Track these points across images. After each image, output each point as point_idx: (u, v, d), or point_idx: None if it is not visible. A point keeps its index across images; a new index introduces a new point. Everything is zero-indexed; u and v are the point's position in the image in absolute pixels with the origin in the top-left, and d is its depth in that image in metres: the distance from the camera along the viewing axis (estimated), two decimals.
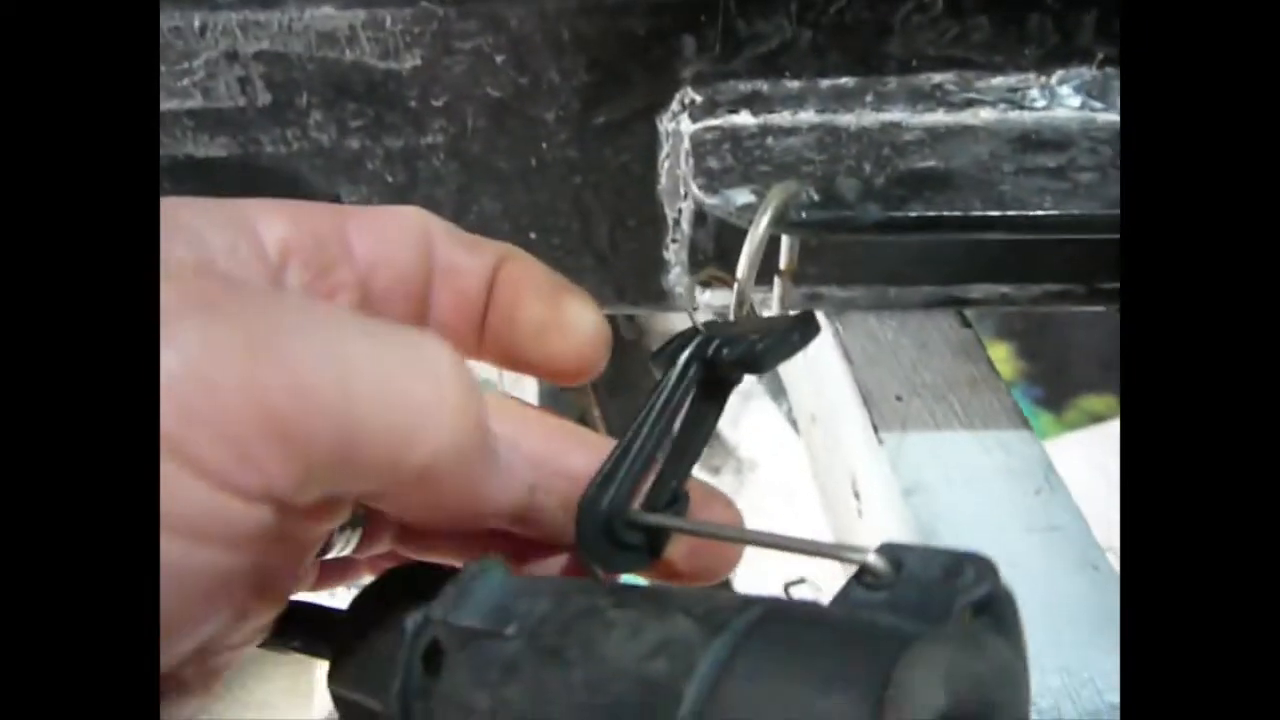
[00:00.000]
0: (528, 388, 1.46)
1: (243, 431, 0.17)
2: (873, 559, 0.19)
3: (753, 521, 0.28)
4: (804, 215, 0.31)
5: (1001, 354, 1.50)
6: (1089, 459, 1.38)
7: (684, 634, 0.19)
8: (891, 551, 0.19)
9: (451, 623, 0.22)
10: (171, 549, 0.17)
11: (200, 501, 0.17)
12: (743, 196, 0.32)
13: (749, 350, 0.25)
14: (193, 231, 0.22)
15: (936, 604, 0.18)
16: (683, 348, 0.27)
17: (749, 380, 1.22)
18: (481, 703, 0.21)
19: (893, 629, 0.17)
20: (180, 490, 0.17)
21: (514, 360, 0.24)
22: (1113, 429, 1.41)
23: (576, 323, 0.26)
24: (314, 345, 0.18)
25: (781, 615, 0.18)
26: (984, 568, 0.19)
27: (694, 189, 0.34)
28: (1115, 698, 0.30)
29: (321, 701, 1.22)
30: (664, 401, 0.26)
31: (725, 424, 1.31)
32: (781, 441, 1.19)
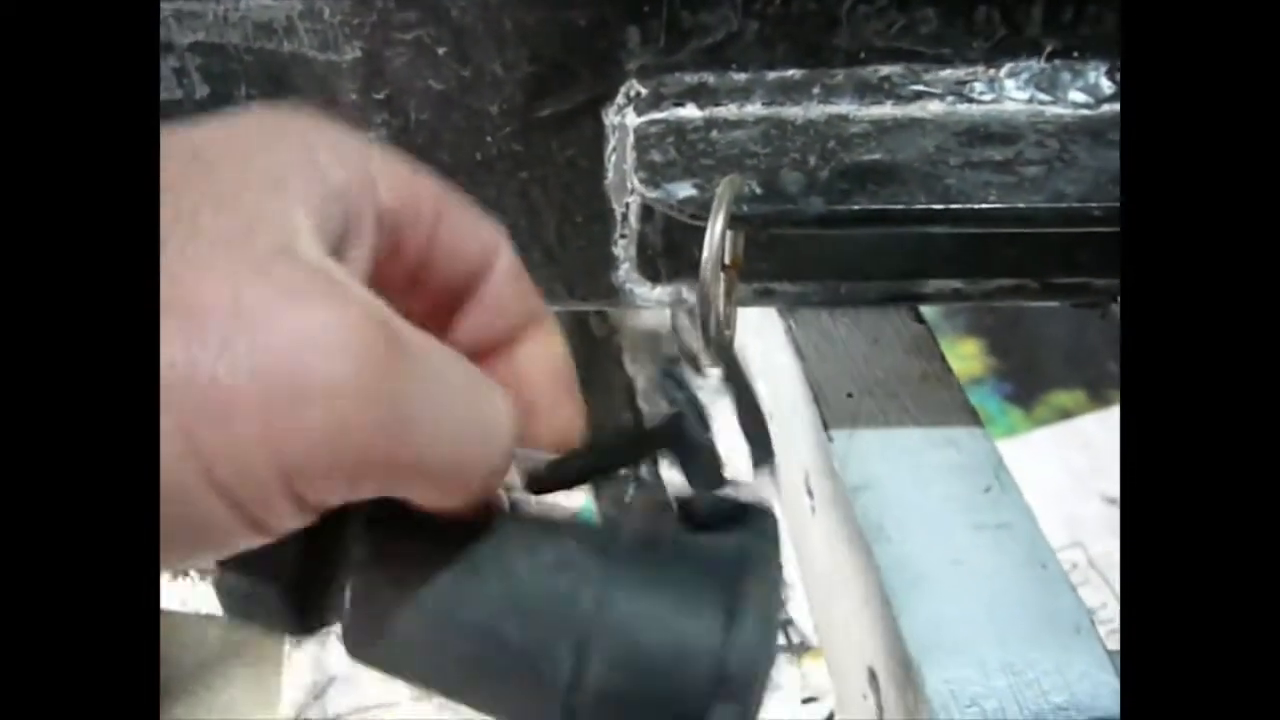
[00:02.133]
0: None
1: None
2: (696, 505, 0.25)
3: None
4: (746, 209, 0.31)
5: (971, 350, 1.50)
6: (1059, 455, 1.38)
7: (575, 554, 0.24)
8: (707, 500, 0.25)
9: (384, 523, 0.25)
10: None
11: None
12: (684, 190, 0.32)
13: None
14: (319, 167, 0.21)
15: (738, 542, 0.25)
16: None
17: (718, 378, 1.21)
18: (405, 603, 0.24)
19: (723, 560, 0.24)
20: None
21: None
22: (1082, 424, 1.42)
23: (567, 426, 0.27)
24: (430, 404, 0.20)
25: (647, 541, 0.24)
26: (759, 506, 0.26)
27: (636, 183, 0.34)
28: (1060, 698, 0.30)
29: (289, 701, 1.21)
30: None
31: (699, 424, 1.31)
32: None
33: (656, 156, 0.33)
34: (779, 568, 0.26)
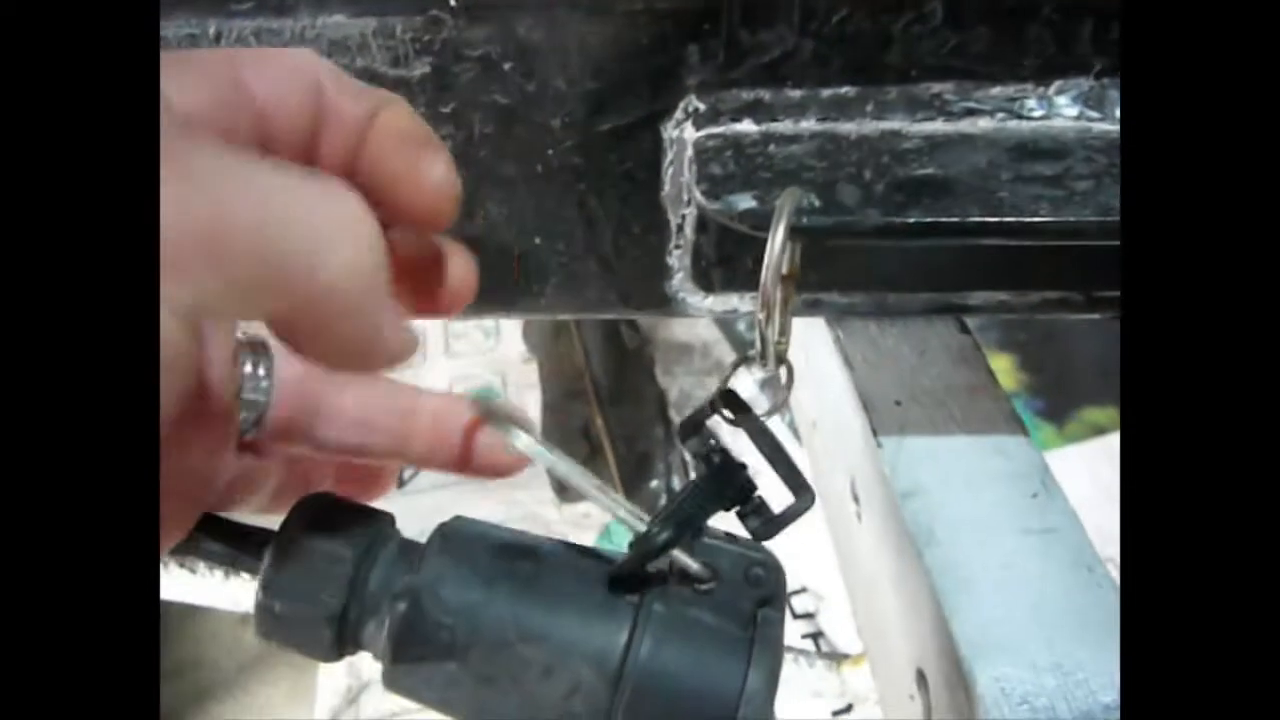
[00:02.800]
0: (530, 399, 1.47)
1: (176, 250, 0.19)
2: (696, 569, 0.28)
3: None
4: (805, 221, 0.32)
5: (1004, 365, 1.50)
6: (1090, 471, 1.38)
7: (588, 680, 0.27)
8: (709, 554, 0.29)
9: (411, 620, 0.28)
10: None
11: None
12: (744, 202, 0.33)
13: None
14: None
15: (745, 604, 0.29)
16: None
17: (752, 390, 1.21)
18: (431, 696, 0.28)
19: (739, 616, 0.28)
20: None
21: (375, 206, 0.24)
22: (1114, 441, 1.42)
23: (428, 176, 0.27)
24: (236, 179, 0.21)
25: (657, 671, 0.27)
26: (771, 566, 0.29)
27: (697, 195, 0.35)
28: (1109, 698, 0.31)
29: (324, 704, 1.23)
30: None
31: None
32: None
33: (716, 169, 0.35)
34: (783, 622, 0.29)
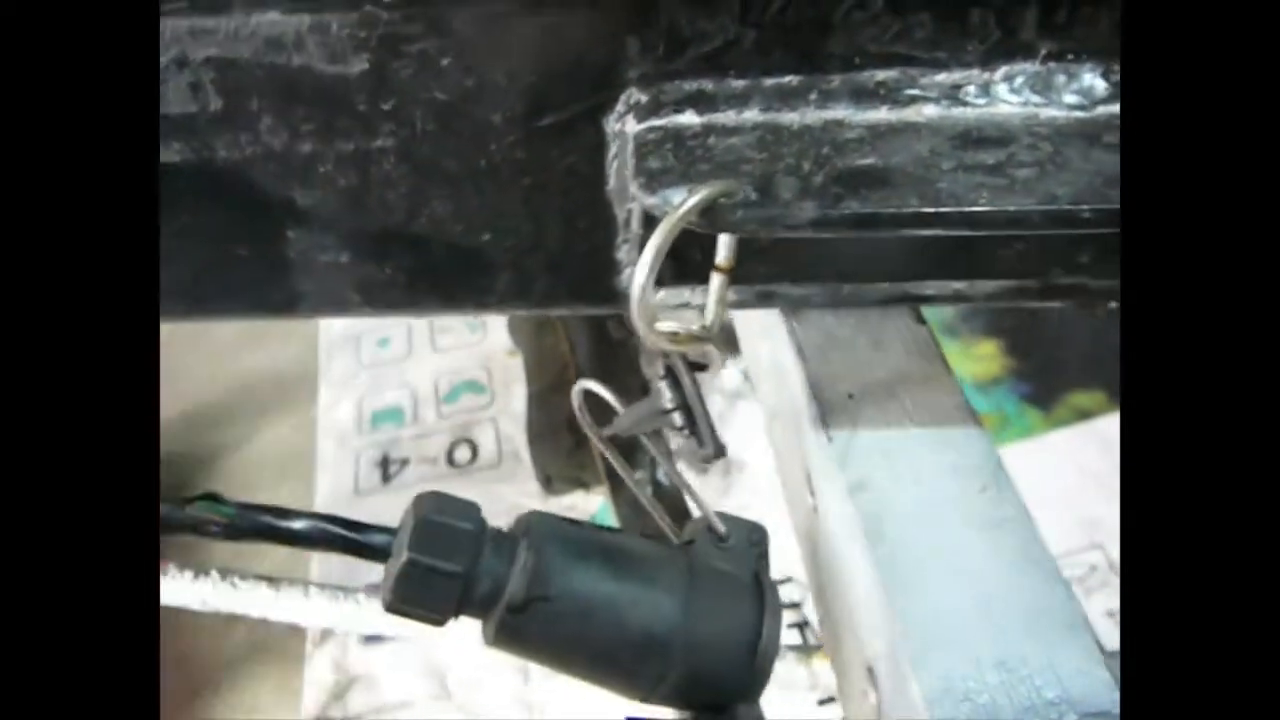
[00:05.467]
0: (516, 393, 1.47)
1: None
2: (722, 528, 0.39)
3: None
4: (740, 214, 0.31)
5: (990, 350, 1.50)
6: (1076, 457, 1.38)
7: (664, 609, 0.36)
8: (726, 521, 0.39)
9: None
10: None
11: None
12: (680, 195, 0.33)
13: None
14: None
15: (749, 560, 0.38)
16: None
17: (737, 381, 1.23)
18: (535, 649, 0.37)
19: (748, 574, 0.38)
20: None
21: None
22: (1101, 425, 1.41)
23: None
24: None
25: (705, 608, 0.36)
26: (763, 533, 0.40)
27: (634, 189, 0.34)
28: (1052, 693, 0.30)
29: (311, 699, 1.23)
30: None
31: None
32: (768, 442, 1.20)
33: (654, 163, 0.34)
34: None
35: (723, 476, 1.36)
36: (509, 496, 1.36)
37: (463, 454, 1.44)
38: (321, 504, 1.40)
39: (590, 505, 1.34)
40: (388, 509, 1.40)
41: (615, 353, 1.50)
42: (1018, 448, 1.34)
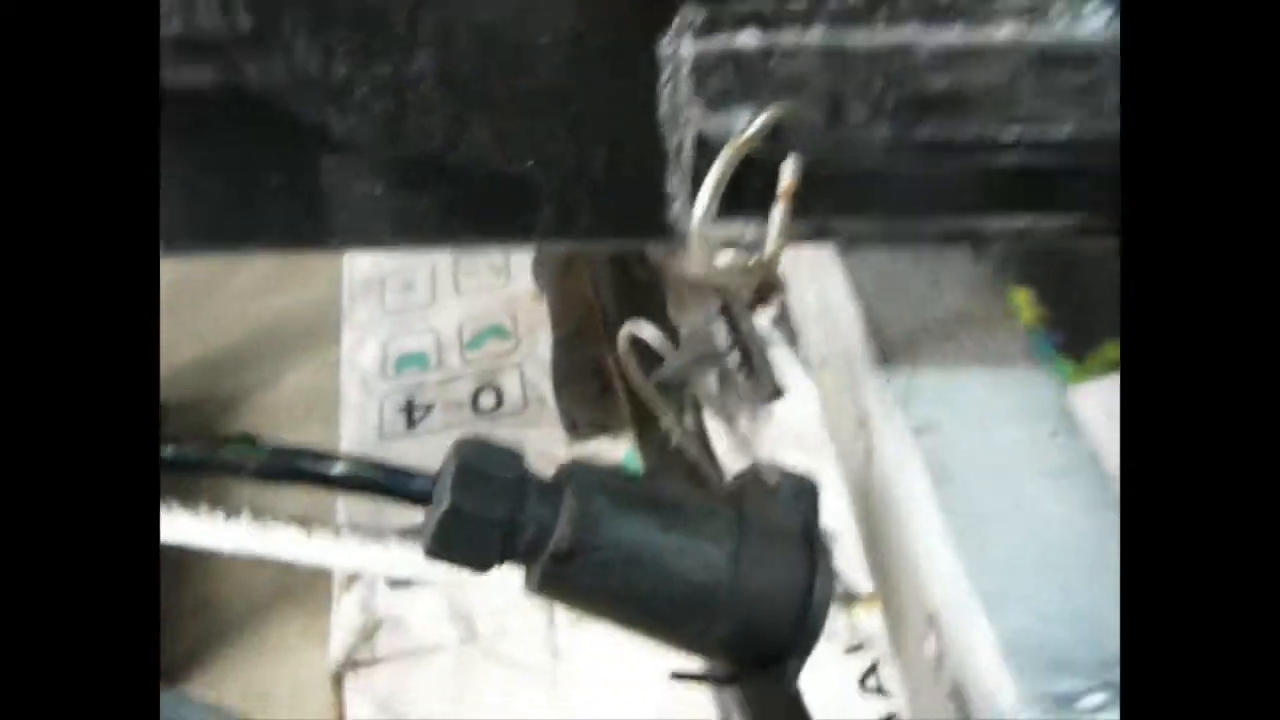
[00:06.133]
0: (541, 337, 1.45)
1: None
2: (774, 478, 0.37)
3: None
4: (808, 137, 0.29)
5: (1022, 299, 1.47)
6: (1107, 407, 1.36)
7: (713, 556, 0.35)
8: (776, 474, 0.38)
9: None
10: None
11: None
12: (744, 118, 0.31)
13: None
14: None
15: (798, 513, 0.37)
16: None
17: (764, 328, 1.21)
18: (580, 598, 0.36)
19: (798, 529, 0.36)
20: None
21: None
22: None
23: None
24: None
25: (756, 556, 0.35)
26: (811, 485, 0.38)
27: (693, 111, 0.32)
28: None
29: (339, 642, 1.24)
30: None
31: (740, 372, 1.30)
32: (797, 389, 1.18)
33: (716, 83, 0.32)
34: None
35: (749, 422, 1.35)
36: (535, 442, 1.35)
37: (488, 400, 1.43)
38: (346, 448, 1.40)
39: (616, 451, 1.34)
40: (413, 454, 1.40)
41: (640, 295, 1.48)
42: None
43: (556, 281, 1.48)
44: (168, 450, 0.35)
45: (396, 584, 1.24)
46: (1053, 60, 0.32)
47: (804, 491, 0.38)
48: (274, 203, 0.41)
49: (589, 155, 0.38)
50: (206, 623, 1.27)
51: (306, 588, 1.29)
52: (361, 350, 1.50)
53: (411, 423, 1.41)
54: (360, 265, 1.55)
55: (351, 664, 1.20)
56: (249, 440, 0.38)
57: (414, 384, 1.46)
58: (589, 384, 1.39)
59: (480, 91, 0.37)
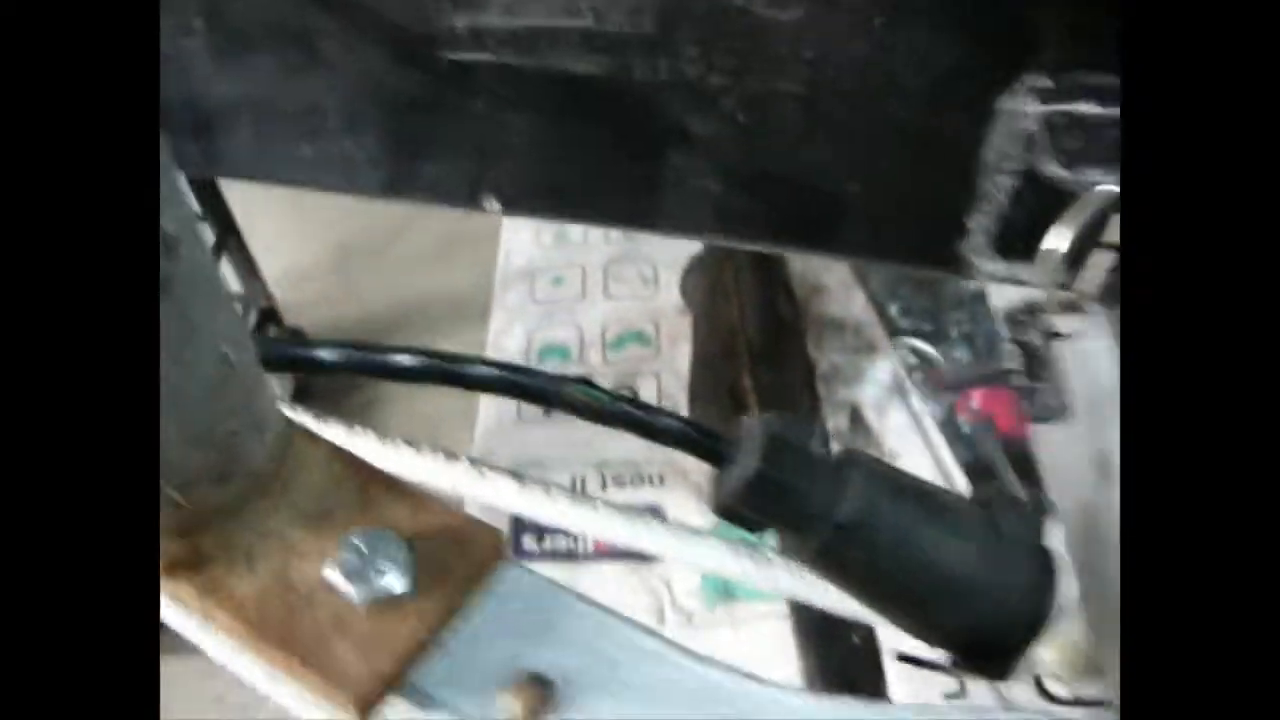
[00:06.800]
0: (681, 352, 1.51)
1: None
2: (1023, 496, 0.44)
3: None
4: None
5: None
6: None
7: (967, 551, 0.38)
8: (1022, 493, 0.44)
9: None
10: None
11: None
12: (1097, 174, 0.36)
13: None
14: None
15: (1034, 529, 0.40)
16: None
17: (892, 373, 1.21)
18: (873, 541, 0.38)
19: (1037, 544, 0.40)
20: None
21: None
22: None
23: None
24: None
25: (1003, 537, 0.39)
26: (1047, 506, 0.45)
27: (1047, 164, 0.38)
28: None
29: (484, 425, 1.27)
30: None
31: (872, 414, 1.34)
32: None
33: (1070, 143, 0.37)
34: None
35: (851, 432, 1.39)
36: (665, 450, 1.40)
37: None
38: (485, 425, 1.47)
39: None
40: (548, 441, 1.45)
41: (783, 330, 1.53)
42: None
43: (703, 301, 1.53)
44: (506, 373, 0.41)
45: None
46: None
47: (1040, 513, 0.42)
48: (619, 183, 0.47)
49: (912, 186, 0.44)
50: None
51: None
52: (508, 335, 1.58)
53: (548, 411, 1.47)
54: (516, 255, 1.63)
55: None
56: (587, 382, 0.43)
57: None
58: (722, 404, 1.44)
59: (836, 117, 0.43)
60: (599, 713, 0.32)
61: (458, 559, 0.36)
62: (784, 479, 0.38)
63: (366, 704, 0.33)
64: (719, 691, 0.33)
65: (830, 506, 0.39)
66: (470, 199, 0.49)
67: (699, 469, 1.44)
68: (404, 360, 0.40)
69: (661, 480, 1.38)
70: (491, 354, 1.57)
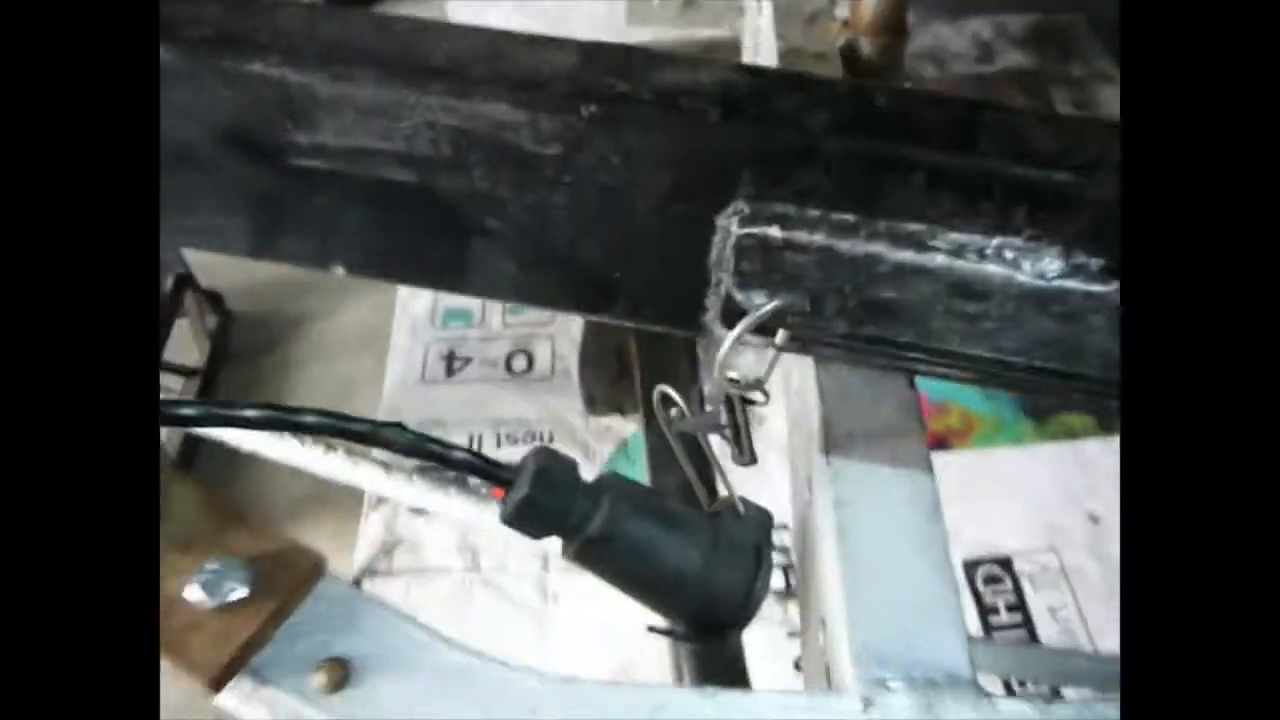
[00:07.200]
0: (575, 321, 1.63)
1: None
2: (742, 508, 0.53)
3: (756, 474, 0.55)
4: (793, 321, 0.48)
5: None
6: (1052, 470, 1.54)
7: (693, 555, 0.50)
8: (744, 504, 0.53)
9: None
10: None
11: None
12: (760, 297, 0.49)
13: None
14: None
15: (755, 535, 0.52)
16: None
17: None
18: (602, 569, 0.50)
19: (752, 543, 0.52)
20: None
21: None
22: (1083, 447, 1.57)
23: None
24: None
25: (722, 542, 0.51)
26: (768, 517, 0.54)
27: (729, 283, 0.51)
28: (932, 658, 0.47)
29: (362, 553, 1.43)
30: None
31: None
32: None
33: (746, 266, 0.50)
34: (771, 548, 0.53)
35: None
36: (555, 409, 1.54)
37: (519, 363, 1.61)
38: (391, 385, 1.59)
39: (625, 430, 1.52)
40: (449, 399, 1.59)
41: (672, 345, 1.66)
42: (1006, 452, 1.51)
43: None
44: (335, 420, 0.53)
45: (416, 511, 1.44)
46: (961, 290, 0.50)
47: (762, 519, 0.56)
48: (432, 259, 0.59)
49: (659, 274, 0.57)
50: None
51: (338, 500, 1.49)
52: (415, 299, 1.69)
53: (451, 371, 1.60)
54: None
55: (370, 571, 1.40)
56: (400, 426, 0.56)
57: (457, 337, 1.64)
58: (610, 366, 1.58)
59: (595, 224, 0.55)
60: (382, 686, 0.46)
61: (286, 575, 0.49)
62: (547, 502, 0.50)
63: (218, 683, 0.46)
64: (469, 672, 0.47)
65: (584, 523, 0.52)
66: (321, 264, 0.61)
67: (584, 426, 1.57)
68: (249, 413, 0.52)
69: (551, 437, 1.52)
70: (399, 317, 1.68)
